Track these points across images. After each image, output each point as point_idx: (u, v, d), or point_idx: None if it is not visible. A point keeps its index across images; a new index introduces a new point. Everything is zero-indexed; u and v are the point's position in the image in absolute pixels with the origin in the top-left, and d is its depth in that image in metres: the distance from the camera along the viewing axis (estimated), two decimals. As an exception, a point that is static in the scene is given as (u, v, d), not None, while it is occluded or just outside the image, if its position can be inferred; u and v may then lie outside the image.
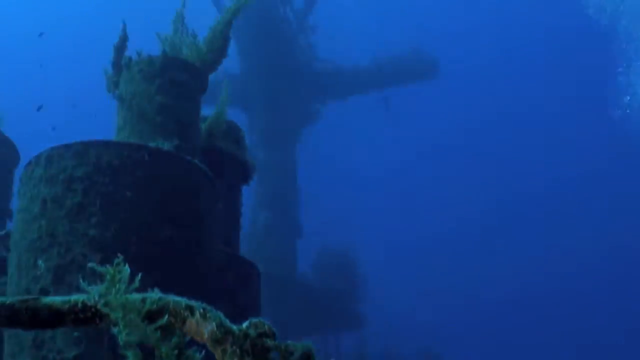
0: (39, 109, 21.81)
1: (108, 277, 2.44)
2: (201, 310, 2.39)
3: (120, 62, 6.34)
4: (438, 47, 27.15)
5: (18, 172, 9.43)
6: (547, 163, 48.92)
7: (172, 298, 2.45)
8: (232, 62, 20.95)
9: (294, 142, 23.09)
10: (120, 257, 2.39)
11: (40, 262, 4.97)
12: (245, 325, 2.37)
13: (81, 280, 2.69)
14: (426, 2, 44.09)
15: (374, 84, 24.98)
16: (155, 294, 2.48)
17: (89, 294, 2.50)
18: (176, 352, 2.42)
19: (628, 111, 28.51)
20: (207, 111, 6.80)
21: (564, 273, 44.32)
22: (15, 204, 5.54)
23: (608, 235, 44.44)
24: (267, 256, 18.07)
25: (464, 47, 45.34)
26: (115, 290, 2.44)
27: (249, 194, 17.43)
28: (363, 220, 41.59)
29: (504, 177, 48.55)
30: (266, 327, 2.39)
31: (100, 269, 2.41)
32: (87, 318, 2.52)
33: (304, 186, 22.65)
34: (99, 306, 2.48)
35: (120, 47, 6.44)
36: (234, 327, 2.37)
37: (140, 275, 2.58)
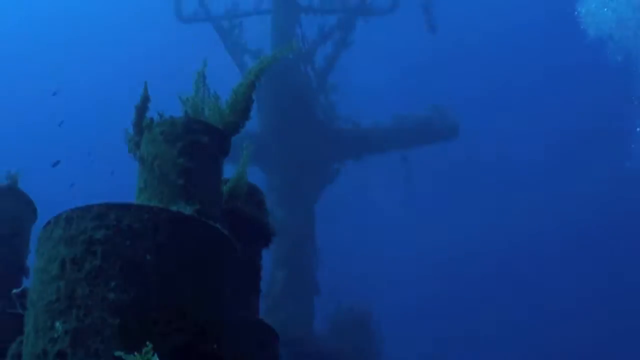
0: (54, 164, 21.94)
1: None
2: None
3: (141, 123, 6.31)
4: (459, 107, 27.23)
5: (35, 229, 9.46)
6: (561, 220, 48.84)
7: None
8: (250, 120, 20.99)
9: (312, 201, 23.07)
10: (149, 345, 2.33)
11: (58, 324, 4.89)
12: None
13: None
14: (448, 62, 44.31)
15: (394, 144, 24.99)
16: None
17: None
18: None
19: None
20: (226, 169, 6.76)
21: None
22: (33, 262, 5.49)
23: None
24: (284, 316, 18.00)
25: (484, 108, 45.50)
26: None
27: (266, 253, 17.38)
28: (380, 276, 41.57)
29: (522, 233, 48.48)
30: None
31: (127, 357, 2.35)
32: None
33: (321, 241, 22.64)
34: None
35: (142, 108, 6.41)
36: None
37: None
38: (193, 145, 5.89)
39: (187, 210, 5.29)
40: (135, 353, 4.03)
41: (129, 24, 50.71)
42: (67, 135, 39.26)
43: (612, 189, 46.43)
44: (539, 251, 48.92)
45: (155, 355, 2.38)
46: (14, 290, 7.01)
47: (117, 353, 2.82)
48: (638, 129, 26.74)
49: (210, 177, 5.97)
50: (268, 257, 20.06)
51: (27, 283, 9.01)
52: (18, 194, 9.27)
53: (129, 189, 6.36)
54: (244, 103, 6.42)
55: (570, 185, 49.22)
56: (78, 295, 4.89)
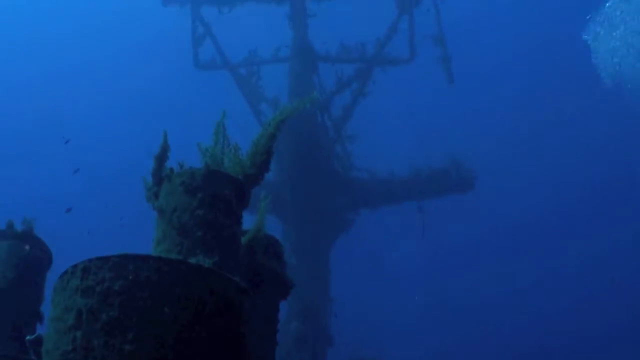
0: (67, 210, 22.02)
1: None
2: None
3: (160, 173, 6.29)
4: (475, 159, 27.22)
5: (50, 275, 9.45)
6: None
7: None
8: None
9: (326, 250, 23.01)
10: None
11: (73, 374, 4.87)
12: None
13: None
14: (465, 113, 44.49)
15: (410, 195, 24.94)
16: None
17: None
18: None
19: None
20: (243, 217, 6.72)
21: None
22: (48, 309, 5.46)
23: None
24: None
25: (501, 158, 45.59)
26: None
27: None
28: (393, 326, 41.52)
29: (538, 286, 48.35)
30: None
31: None
32: None
33: (335, 291, 22.58)
34: None
35: (161, 157, 6.40)
36: None
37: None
38: (213, 197, 5.86)
39: (206, 262, 5.26)
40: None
41: (145, 71, 51.09)
42: (82, 182, 39.45)
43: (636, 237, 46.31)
44: (555, 304, 48.63)
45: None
46: (28, 337, 6.97)
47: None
48: None
49: (229, 229, 5.93)
50: (281, 306, 19.96)
51: (41, 329, 9.01)
52: (33, 239, 9.31)
53: (143, 237, 6.34)
54: (265, 155, 6.41)
55: (589, 236, 49.01)
56: (94, 346, 4.85)
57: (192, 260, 5.15)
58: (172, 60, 35.33)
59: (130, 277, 4.87)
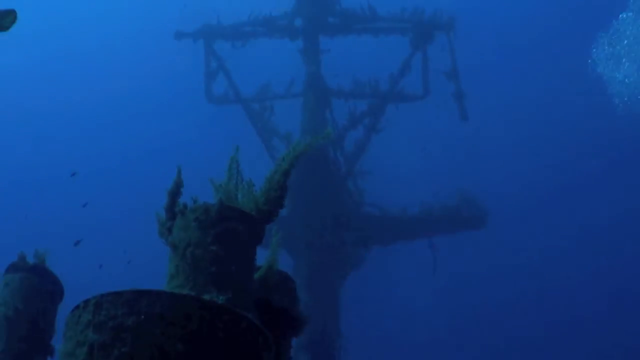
0: (76, 243, 22.04)
1: None
2: None
3: (174, 208, 6.28)
4: (489, 194, 27.22)
5: (62, 309, 9.43)
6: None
7: None
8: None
9: (337, 287, 22.94)
10: None
11: (84, 409, 4.84)
12: None
13: None
14: (479, 149, 44.52)
15: (422, 232, 24.88)
16: None
17: None
18: None
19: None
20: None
21: None
22: (59, 343, 5.43)
23: None
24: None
25: (513, 193, 45.56)
26: None
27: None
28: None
29: (552, 324, 48.14)
30: None
31: None
32: None
33: (345, 328, 22.51)
34: None
35: (175, 193, 6.39)
36: None
37: None
38: (227, 233, 5.83)
39: (220, 299, 5.22)
40: None
41: (156, 105, 51.36)
42: (92, 215, 39.49)
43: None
44: (570, 345, 48.30)
45: None
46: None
47: None
48: None
49: (243, 265, 5.90)
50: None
51: (51, 364, 9.02)
52: (45, 272, 9.32)
53: (152, 272, 6.31)
54: (279, 191, 6.38)
55: (606, 275, 48.76)
56: (106, 382, 4.83)
57: (206, 297, 5.12)
58: (184, 93, 35.47)
59: (143, 313, 4.84)
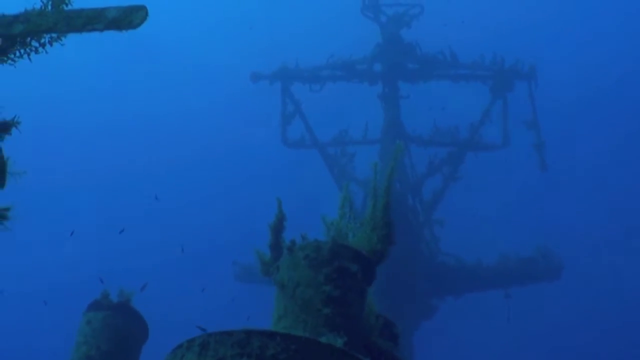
0: (142, 288, 21.94)
1: None
2: None
3: (278, 244, 6.02)
4: (562, 246, 26.76)
5: (146, 348, 9.26)
6: None
7: None
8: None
9: (410, 334, 22.52)
10: None
11: None
12: None
13: None
14: (558, 198, 44.03)
15: (496, 283, 24.37)
16: None
17: None
18: None
19: None
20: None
21: None
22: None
23: None
24: None
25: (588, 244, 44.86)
26: None
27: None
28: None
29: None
30: None
31: None
32: None
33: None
34: None
35: (277, 228, 6.15)
36: None
37: None
38: (340, 272, 5.53)
39: (338, 342, 4.89)
40: None
41: (234, 146, 51.77)
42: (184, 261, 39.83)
43: None
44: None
45: None
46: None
47: None
48: None
49: (356, 307, 5.59)
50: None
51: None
52: (130, 311, 9.21)
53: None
54: (386, 229, 6.10)
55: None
56: None
57: (323, 340, 4.78)
58: (260, 135, 35.62)
59: (256, 355, 4.53)
